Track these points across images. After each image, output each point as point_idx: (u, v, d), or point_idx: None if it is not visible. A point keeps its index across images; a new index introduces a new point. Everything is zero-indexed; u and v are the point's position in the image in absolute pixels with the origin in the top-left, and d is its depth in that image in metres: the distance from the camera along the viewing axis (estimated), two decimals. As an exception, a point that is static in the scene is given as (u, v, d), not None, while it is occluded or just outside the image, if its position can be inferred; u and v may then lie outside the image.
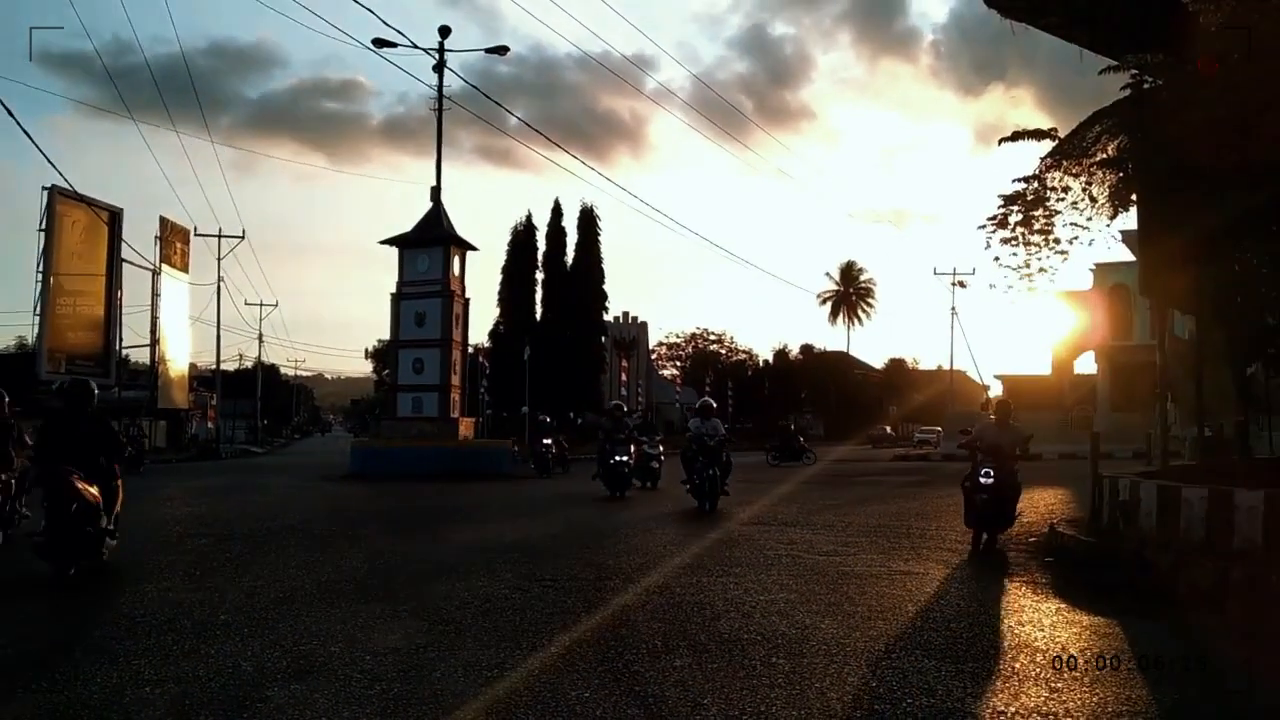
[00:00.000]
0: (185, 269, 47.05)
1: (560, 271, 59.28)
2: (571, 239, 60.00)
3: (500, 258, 60.34)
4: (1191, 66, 10.08)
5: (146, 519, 14.10)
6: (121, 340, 41.79)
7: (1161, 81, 10.93)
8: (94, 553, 8.47)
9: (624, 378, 63.54)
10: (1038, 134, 12.27)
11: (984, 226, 12.61)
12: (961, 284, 63.79)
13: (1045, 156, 12.16)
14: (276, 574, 8.87)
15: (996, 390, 65.98)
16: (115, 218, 40.20)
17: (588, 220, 59.58)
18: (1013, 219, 12.36)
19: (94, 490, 8.41)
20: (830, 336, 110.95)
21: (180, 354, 46.64)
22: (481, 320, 69.71)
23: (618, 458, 17.71)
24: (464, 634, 6.41)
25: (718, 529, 12.58)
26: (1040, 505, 15.67)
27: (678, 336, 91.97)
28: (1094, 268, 48.88)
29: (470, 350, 33.28)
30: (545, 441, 26.74)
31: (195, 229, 47.75)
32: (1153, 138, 10.69)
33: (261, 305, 68.50)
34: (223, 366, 55.64)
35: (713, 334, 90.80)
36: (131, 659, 5.66)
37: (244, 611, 7.12)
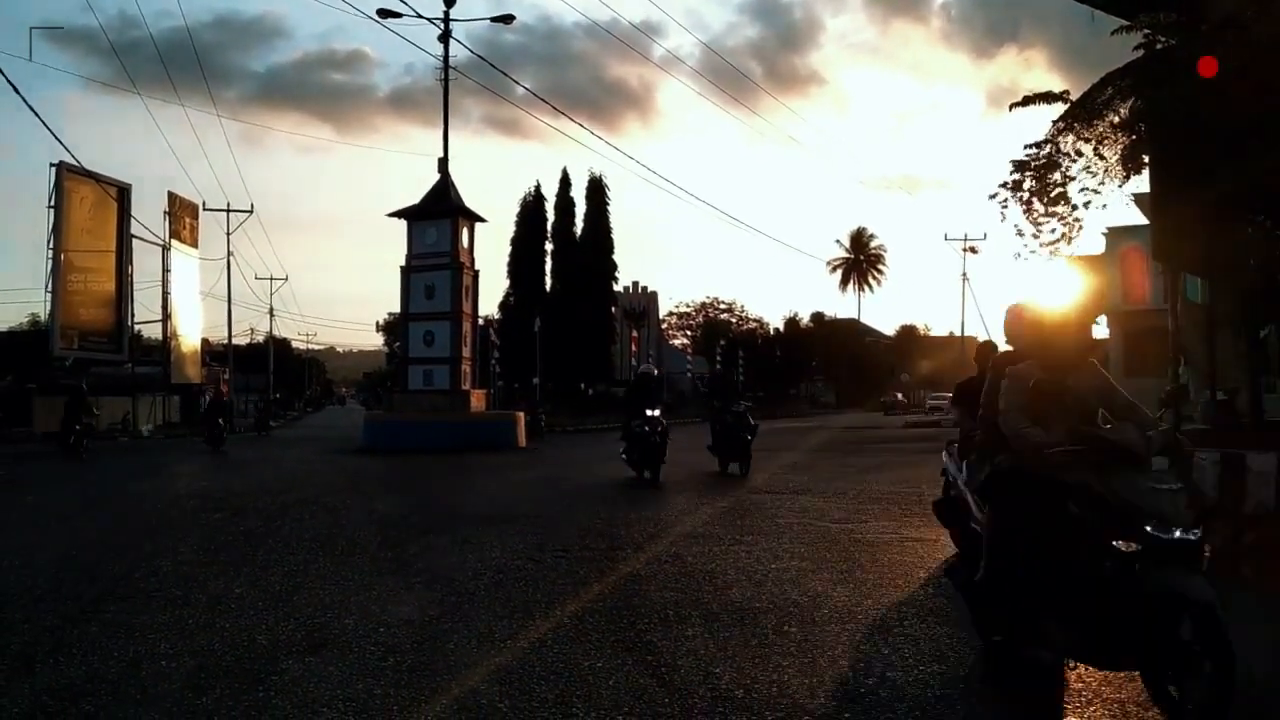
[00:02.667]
0: (195, 244, 47.00)
1: (569, 242, 59.21)
2: (580, 209, 59.93)
3: (509, 228, 60.38)
4: (1205, 25, 9.94)
5: (161, 494, 14.19)
6: (133, 316, 41.84)
7: (1175, 42, 10.77)
8: (223, 444, 25.47)
9: (634, 348, 63.49)
10: (1049, 97, 12.12)
11: (995, 195, 12.49)
12: (973, 250, 63.51)
13: (1057, 120, 12.02)
14: (290, 547, 8.92)
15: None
16: (123, 193, 40.13)
17: (596, 190, 59.41)
18: (1027, 186, 12.23)
19: (222, 426, 25.81)
20: (841, 304, 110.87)
21: (192, 329, 46.67)
22: (491, 292, 69.78)
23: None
24: (477, 605, 6.44)
25: (728, 497, 12.60)
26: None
27: (688, 306, 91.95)
28: (1106, 231, 48.47)
29: (480, 322, 33.23)
30: (652, 413, 14.78)
31: (204, 204, 47.70)
32: (1167, 96, 10.55)
33: (272, 280, 68.61)
34: (235, 341, 55.84)
35: (723, 303, 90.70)
36: (147, 633, 5.71)
37: (258, 585, 7.17)
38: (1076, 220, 12.16)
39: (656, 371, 18.45)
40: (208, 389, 50.97)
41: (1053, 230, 12.27)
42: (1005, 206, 12.42)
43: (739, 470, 15.60)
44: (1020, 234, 12.38)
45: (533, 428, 29.75)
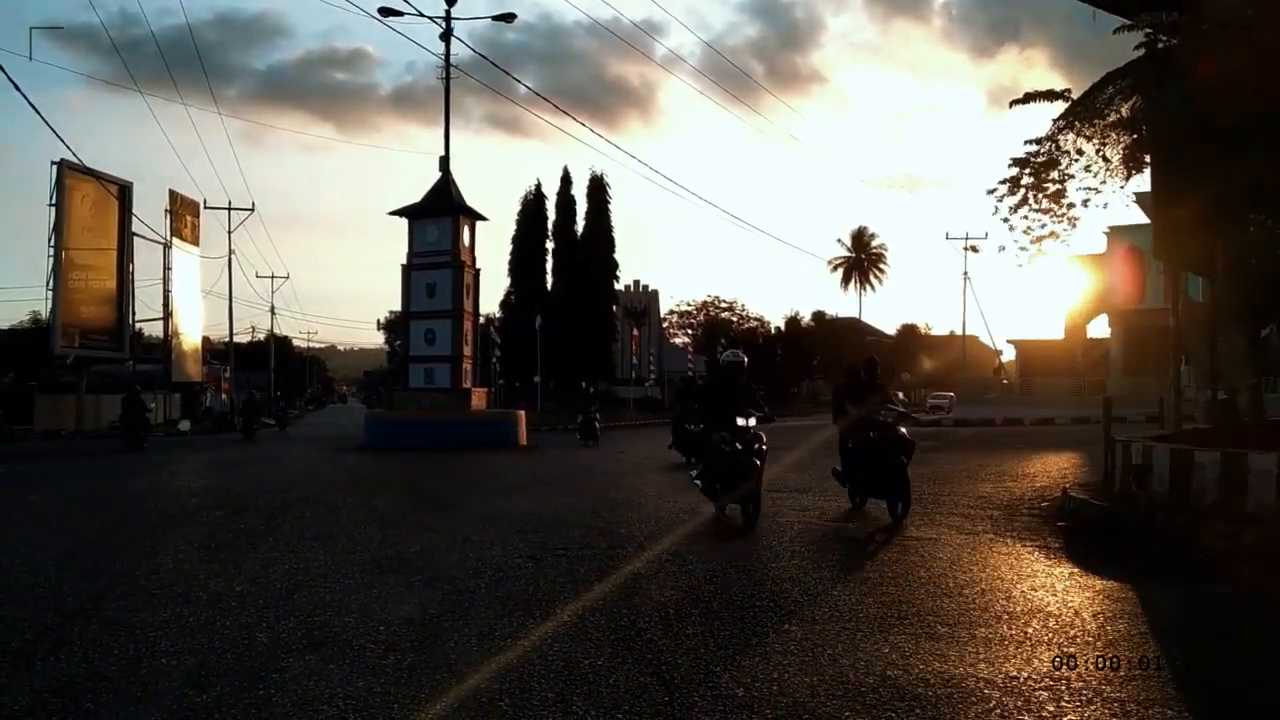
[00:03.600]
0: (196, 242, 47.07)
1: (570, 240, 59.16)
2: (581, 207, 59.88)
3: (510, 227, 60.34)
4: (1205, 25, 9.94)
5: (162, 492, 14.20)
6: (134, 314, 41.92)
7: (1176, 40, 10.77)
8: (255, 436, 32.14)
9: (635, 346, 63.46)
10: (1050, 95, 12.11)
11: (994, 190, 12.49)
12: (973, 249, 63.76)
13: (1058, 118, 12.02)
14: (291, 546, 8.93)
15: (1009, 355, 65.83)
16: (125, 191, 40.17)
17: (597, 188, 59.35)
18: (1025, 182, 12.23)
19: (252, 420, 33.19)
20: (842, 303, 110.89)
21: (193, 327, 46.73)
22: (492, 290, 69.84)
23: None
24: (477, 603, 6.44)
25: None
26: (1053, 469, 15.67)
27: (689, 304, 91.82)
28: (1107, 231, 48.55)
29: (481, 320, 33.21)
30: (744, 423, 10.31)
31: (205, 202, 47.81)
32: (1169, 95, 10.55)
33: (273, 278, 68.69)
34: (236, 339, 55.86)
35: (724, 301, 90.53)
36: (148, 631, 5.71)
37: (259, 583, 7.17)
38: (1072, 220, 12.17)
39: (746, 360, 11.12)
40: (208, 388, 51.27)
41: (1042, 226, 12.29)
42: (1001, 201, 12.43)
43: (890, 512, 10.16)
44: (1011, 228, 12.39)
45: (586, 429, 26.64)
